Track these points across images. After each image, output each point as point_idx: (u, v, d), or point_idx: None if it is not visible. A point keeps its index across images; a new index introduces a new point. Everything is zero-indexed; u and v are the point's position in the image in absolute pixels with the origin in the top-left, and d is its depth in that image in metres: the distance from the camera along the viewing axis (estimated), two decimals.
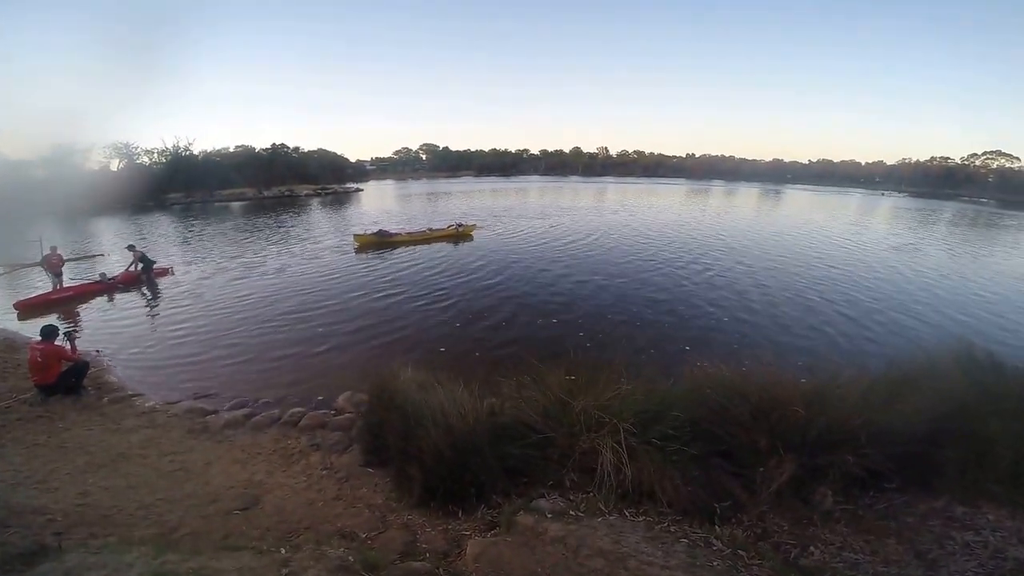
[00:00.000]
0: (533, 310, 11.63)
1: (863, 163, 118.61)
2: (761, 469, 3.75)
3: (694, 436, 3.89)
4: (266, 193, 53.20)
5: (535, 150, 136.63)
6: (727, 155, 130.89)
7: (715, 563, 2.96)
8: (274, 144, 61.97)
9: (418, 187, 72.64)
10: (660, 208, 39.71)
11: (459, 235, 22.71)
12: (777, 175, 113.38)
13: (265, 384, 7.88)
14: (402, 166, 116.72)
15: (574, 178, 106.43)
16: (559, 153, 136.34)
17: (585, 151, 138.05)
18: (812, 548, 3.25)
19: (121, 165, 47.55)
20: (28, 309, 11.65)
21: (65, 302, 12.36)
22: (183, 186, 46.64)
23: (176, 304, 12.38)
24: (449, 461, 4.00)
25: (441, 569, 3.09)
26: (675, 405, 4.08)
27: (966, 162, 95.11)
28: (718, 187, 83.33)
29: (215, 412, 6.80)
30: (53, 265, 13.05)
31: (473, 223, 24.95)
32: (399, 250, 19.67)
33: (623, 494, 3.68)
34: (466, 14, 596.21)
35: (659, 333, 10.16)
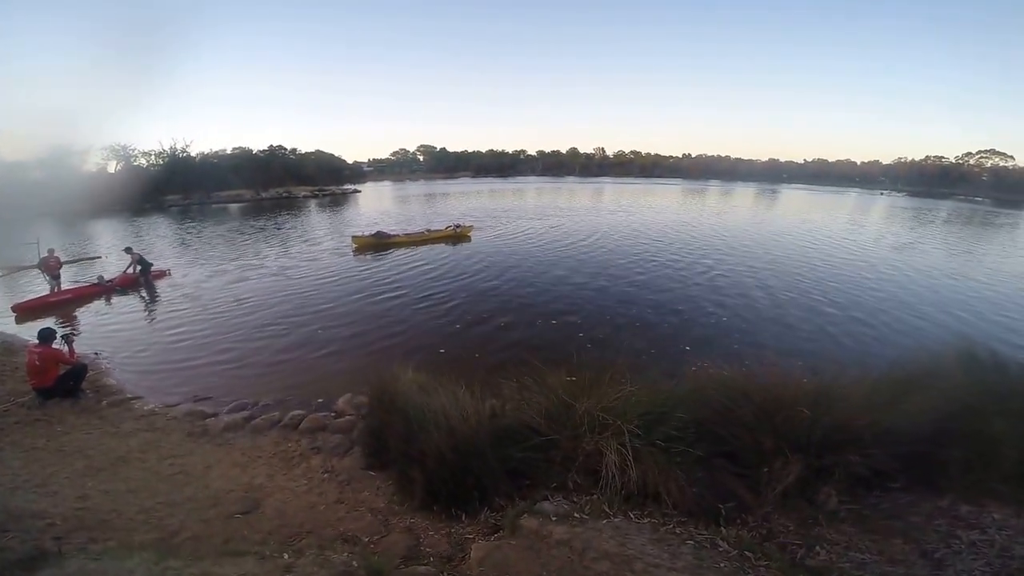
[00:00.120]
0: (533, 311, 11.61)
1: (859, 162, 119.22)
2: (765, 470, 3.74)
3: (698, 437, 3.87)
4: (264, 195, 53.14)
5: (532, 151, 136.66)
6: (723, 155, 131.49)
7: (722, 564, 2.94)
8: (271, 146, 61.87)
9: (416, 188, 72.57)
10: (658, 208, 39.74)
11: (457, 236, 22.68)
12: (773, 175, 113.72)
13: (264, 386, 7.84)
14: (399, 167, 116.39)
15: (571, 179, 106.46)
16: (556, 154, 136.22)
17: (582, 152, 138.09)
18: (818, 548, 3.23)
19: (118, 167, 47.44)
20: (26, 312, 11.59)
21: (63, 305, 12.30)
22: (180, 188, 46.48)
23: (174, 306, 12.33)
24: (451, 464, 3.98)
25: (446, 573, 3.07)
26: (678, 406, 4.07)
27: (960, 161, 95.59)
28: (715, 187, 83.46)
29: (215, 415, 6.76)
30: (51, 268, 12.99)
31: (471, 224, 24.94)
32: (397, 251, 19.63)
33: (627, 496, 3.66)
34: (463, 15, 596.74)
35: (660, 333, 10.15)
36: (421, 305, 12.23)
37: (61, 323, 10.76)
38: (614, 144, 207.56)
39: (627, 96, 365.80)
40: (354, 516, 4.22)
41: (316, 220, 33.20)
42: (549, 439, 4.19)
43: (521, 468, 4.17)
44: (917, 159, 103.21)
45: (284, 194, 55.06)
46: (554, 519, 3.44)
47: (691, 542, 3.19)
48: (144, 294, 13.69)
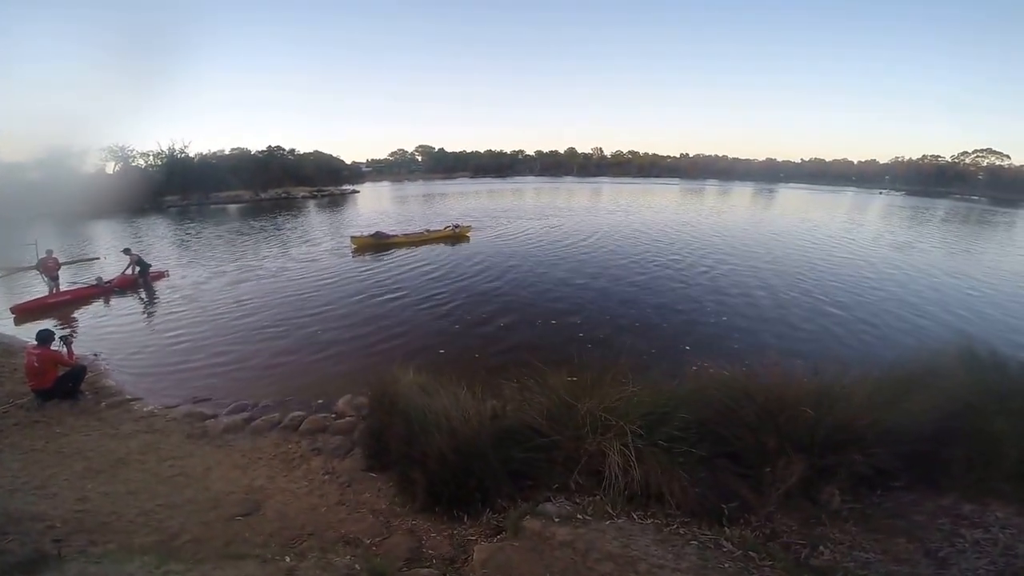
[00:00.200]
0: (532, 311, 11.60)
1: (855, 162, 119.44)
2: (768, 469, 3.73)
3: (700, 437, 3.86)
4: (262, 195, 53.07)
5: (530, 151, 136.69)
6: (720, 155, 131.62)
7: (726, 565, 2.93)
8: (270, 146, 61.88)
9: (414, 189, 72.54)
10: (657, 208, 39.75)
11: (456, 236, 22.67)
12: (770, 174, 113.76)
13: (264, 387, 7.82)
14: (398, 168, 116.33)
15: (569, 179, 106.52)
16: (554, 154, 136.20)
17: (580, 152, 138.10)
18: (822, 548, 3.23)
19: (116, 168, 47.34)
20: (24, 313, 11.57)
21: (62, 306, 12.27)
22: (179, 189, 46.42)
23: (173, 307, 12.31)
24: (453, 465, 3.96)
25: (448, 575, 3.05)
26: (681, 406, 4.05)
27: (957, 160, 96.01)
28: (712, 187, 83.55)
29: (214, 416, 6.73)
30: (49, 269, 12.96)
31: (469, 224, 24.92)
32: (396, 252, 19.62)
33: (630, 496, 3.64)
34: (462, 18, 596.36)
35: (661, 333, 10.14)
36: (420, 306, 12.21)
37: (60, 324, 10.71)
38: (612, 144, 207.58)
39: (625, 96, 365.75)
40: (355, 518, 4.21)
41: (315, 221, 33.17)
42: (551, 440, 4.17)
43: (523, 469, 4.16)
44: (914, 158, 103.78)
45: (283, 195, 55.00)
46: (557, 520, 3.43)
47: (695, 542, 3.18)
48: (143, 295, 13.66)
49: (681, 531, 3.33)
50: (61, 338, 7.52)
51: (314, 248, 20.91)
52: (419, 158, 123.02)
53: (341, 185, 67.26)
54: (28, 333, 9.02)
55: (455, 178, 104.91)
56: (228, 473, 5.20)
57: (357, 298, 12.94)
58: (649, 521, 3.44)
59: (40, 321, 10.77)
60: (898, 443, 3.77)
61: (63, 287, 13.27)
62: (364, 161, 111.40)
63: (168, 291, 13.95)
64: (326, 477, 5.11)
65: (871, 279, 15.51)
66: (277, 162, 59.87)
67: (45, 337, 7.01)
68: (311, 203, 49.00)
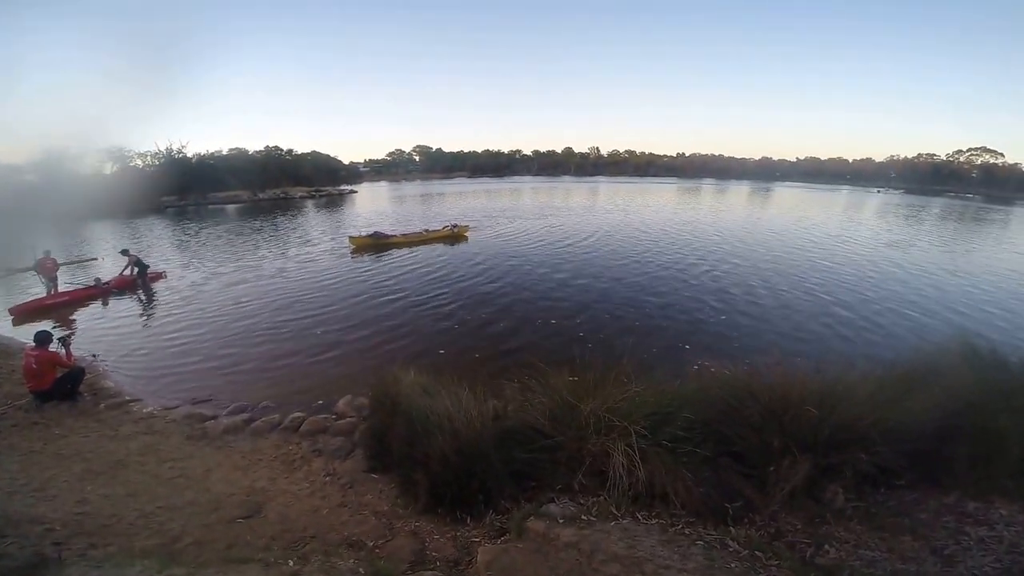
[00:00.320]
0: (532, 311, 11.57)
1: (851, 160, 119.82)
2: (772, 469, 3.71)
3: (704, 437, 3.85)
4: (261, 196, 52.92)
5: (528, 151, 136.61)
6: (717, 154, 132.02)
7: (733, 565, 2.91)
8: (267, 146, 61.82)
9: (412, 189, 72.41)
10: (655, 207, 39.77)
11: (454, 236, 22.64)
12: (766, 173, 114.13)
13: (264, 388, 7.79)
14: (396, 168, 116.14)
15: (567, 178, 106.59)
16: (551, 153, 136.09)
17: (577, 151, 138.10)
18: (827, 547, 3.22)
19: (114, 168, 47.15)
20: (23, 314, 11.51)
21: (60, 307, 12.21)
22: (177, 189, 46.25)
23: (172, 308, 12.25)
24: (455, 466, 3.94)
25: None
26: (684, 406, 4.04)
27: (951, 158, 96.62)
28: (709, 186, 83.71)
29: (214, 417, 6.69)
30: (47, 270, 12.88)
31: (467, 224, 24.87)
32: (395, 252, 19.58)
33: (634, 497, 3.62)
34: (460, 21, 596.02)
35: (662, 333, 10.13)
36: (419, 306, 12.18)
37: (58, 326, 10.67)
38: (609, 144, 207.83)
39: (622, 96, 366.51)
40: (358, 520, 4.18)
41: (313, 221, 33.09)
42: (554, 440, 4.15)
43: (526, 470, 4.14)
44: (909, 157, 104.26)
45: (281, 195, 54.85)
46: (561, 521, 3.41)
47: (700, 543, 3.16)
48: (141, 296, 13.60)
49: (686, 531, 3.31)
50: (59, 339, 7.48)
51: (313, 248, 20.85)
52: (417, 158, 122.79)
53: (339, 185, 67.13)
54: (26, 334, 8.97)
55: (453, 178, 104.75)
56: (229, 475, 5.17)
57: (356, 299, 12.90)
58: (654, 521, 3.42)
59: (38, 322, 10.71)
60: (901, 441, 3.77)
61: (61, 288, 13.20)
62: (362, 161, 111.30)
63: (167, 292, 13.89)
64: (327, 478, 5.08)
65: (871, 277, 15.53)
66: (275, 162, 59.75)
67: (43, 338, 6.97)
68: (309, 203, 48.88)
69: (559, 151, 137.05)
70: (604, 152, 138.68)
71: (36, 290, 13.23)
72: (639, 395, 4.13)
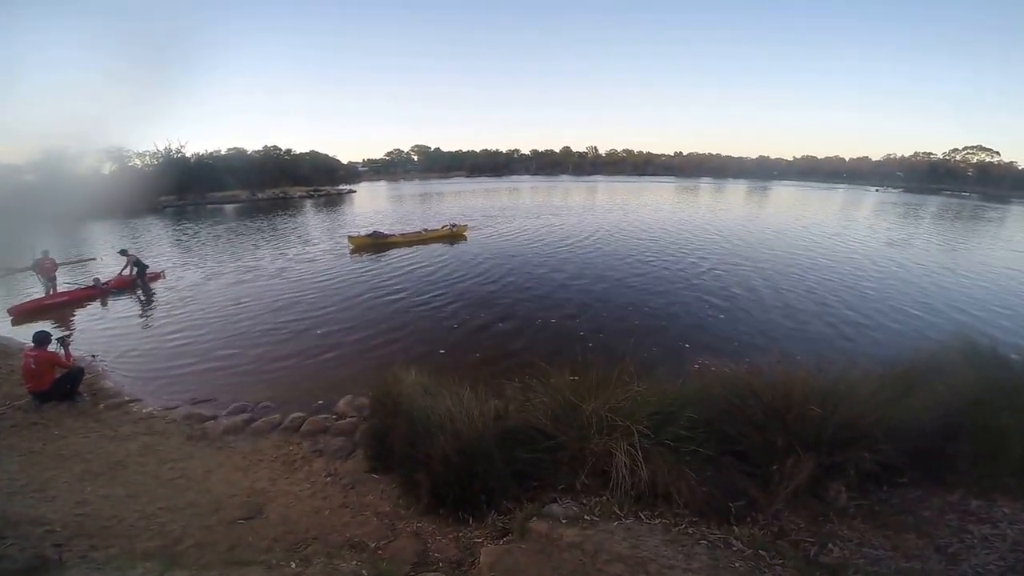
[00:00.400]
0: (532, 311, 11.55)
1: (847, 159, 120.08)
2: (775, 467, 3.71)
3: (707, 436, 3.84)
4: (259, 195, 52.86)
5: (526, 150, 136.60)
6: (714, 153, 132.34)
7: (737, 564, 2.90)
8: (266, 146, 61.79)
9: (410, 188, 72.33)
10: (654, 206, 39.78)
11: (453, 235, 22.62)
12: (763, 172, 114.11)
13: (263, 388, 7.76)
14: (394, 167, 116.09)
15: (565, 177, 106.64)
16: (550, 153, 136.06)
17: (575, 151, 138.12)
18: (831, 545, 3.21)
19: (113, 168, 47.06)
20: (21, 314, 11.47)
21: (59, 307, 12.17)
22: (175, 189, 46.21)
23: (171, 308, 12.22)
24: (457, 467, 3.92)
25: None
26: (687, 406, 4.03)
27: (948, 157, 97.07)
28: (707, 184, 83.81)
29: (214, 418, 6.67)
30: (46, 270, 12.84)
31: (465, 223, 24.85)
32: (394, 251, 19.55)
33: (637, 497, 3.61)
34: (458, 21, 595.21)
35: (663, 332, 10.11)
36: (418, 305, 12.17)
37: (57, 326, 10.62)
38: (607, 143, 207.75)
39: (620, 96, 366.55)
40: (360, 520, 4.15)
41: (312, 220, 33.04)
42: (556, 440, 4.13)
43: (528, 470, 4.12)
44: (906, 155, 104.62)
45: (280, 194, 54.80)
46: (564, 522, 3.39)
47: (704, 542, 3.15)
48: (140, 296, 13.56)
49: (690, 531, 3.30)
50: (58, 340, 7.44)
51: (312, 248, 20.81)
52: (415, 158, 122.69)
53: (338, 185, 67.18)
54: (25, 334, 8.94)
55: (451, 177, 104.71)
56: (229, 475, 5.14)
57: (355, 298, 12.87)
58: (657, 521, 3.40)
59: (37, 322, 10.66)
60: (903, 439, 3.77)
61: (60, 288, 13.16)
62: (360, 161, 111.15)
63: (166, 292, 13.85)
64: (328, 479, 5.06)
65: (871, 275, 15.55)
66: (273, 162, 59.77)
67: (42, 339, 6.94)
68: (308, 203, 48.83)
69: (557, 150, 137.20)
70: (602, 151, 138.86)
71: (35, 290, 13.21)
72: (641, 394, 4.11)
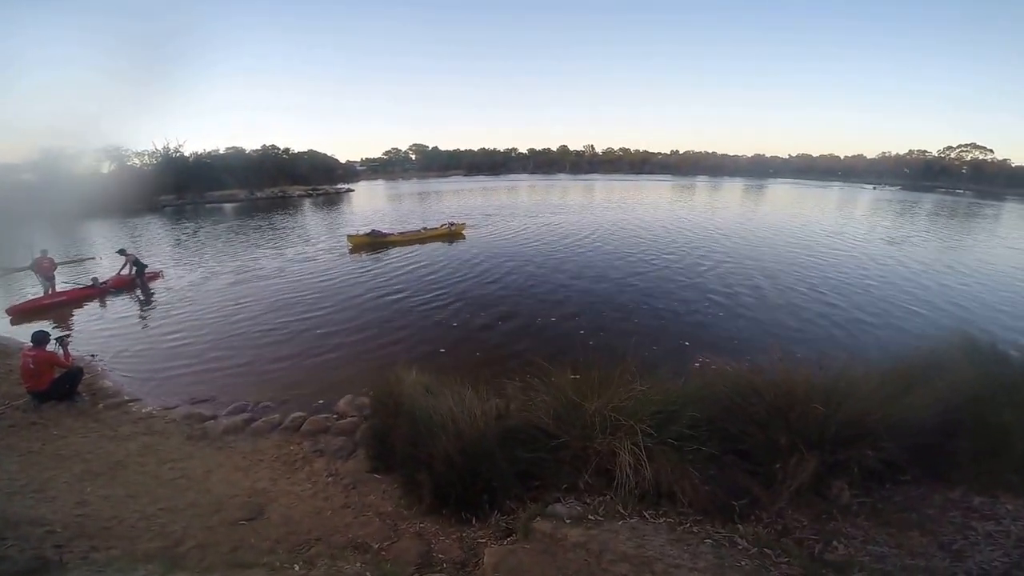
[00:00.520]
0: (532, 310, 11.53)
1: (842, 157, 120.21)
2: (778, 466, 3.70)
3: (710, 435, 3.84)
4: (258, 194, 52.75)
5: (523, 149, 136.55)
6: (710, 151, 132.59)
7: (743, 563, 2.89)
8: (264, 145, 61.61)
9: (409, 187, 72.20)
10: (652, 204, 39.75)
11: (452, 234, 22.59)
12: (759, 170, 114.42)
13: (263, 388, 7.73)
14: (392, 166, 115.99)
15: (562, 176, 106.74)
16: (547, 151, 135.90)
17: (572, 149, 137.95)
18: (835, 543, 3.21)
19: (111, 167, 46.93)
20: (20, 314, 11.42)
21: (57, 307, 12.13)
22: (174, 188, 46.08)
23: (170, 308, 12.18)
24: (459, 467, 3.91)
25: None
26: (690, 404, 4.02)
27: (942, 155, 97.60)
28: (703, 183, 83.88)
29: (214, 417, 6.65)
30: (44, 269, 12.78)
31: (464, 222, 24.81)
32: (393, 250, 19.51)
33: (640, 496, 3.60)
34: (456, 21, 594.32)
35: (664, 331, 10.10)
36: (418, 304, 12.14)
37: (55, 325, 10.57)
38: (604, 142, 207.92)
39: (616, 95, 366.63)
40: (362, 521, 4.13)
41: (311, 219, 32.97)
42: (559, 440, 4.12)
43: (530, 470, 4.10)
44: (901, 153, 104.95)
45: (279, 193, 54.69)
46: (568, 521, 3.38)
47: (709, 540, 3.14)
48: (139, 296, 13.51)
49: (694, 529, 3.29)
50: (57, 339, 7.40)
51: (310, 247, 20.75)
52: (413, 156, 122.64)
53: (336, 184, 67.05)
54: (24, 334, 8.90)
55: (449, 176, 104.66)
56: (230, 475, 5.12)
57: (355, 298, 12.84)
58: (661, 520, 3.39)
59: (36, 322, 10.63)
60: (904, 436, 3.77)
61: (59, 288, 13.11)
62: (359, 160, 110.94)
63: (165, 291, 13.81)
64: (330, 479, 5.04)
65: (871, 272, 15.56)
66: (272, 161, 59.64)
67: (40, 338, 6.90)
68: (307, 202, 48.74)
69: (554, 149, 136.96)
70: (599, 150, 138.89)
71: (33, 290, 13.16)
72: (644, 393, 4.10)
